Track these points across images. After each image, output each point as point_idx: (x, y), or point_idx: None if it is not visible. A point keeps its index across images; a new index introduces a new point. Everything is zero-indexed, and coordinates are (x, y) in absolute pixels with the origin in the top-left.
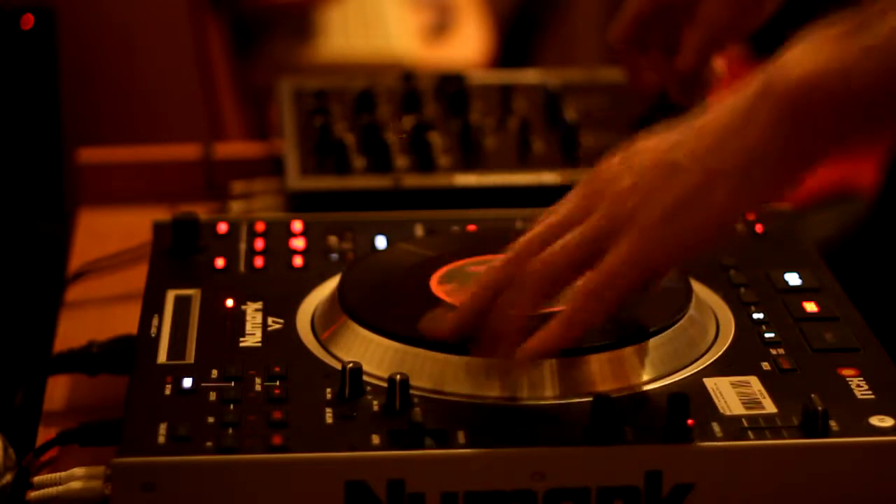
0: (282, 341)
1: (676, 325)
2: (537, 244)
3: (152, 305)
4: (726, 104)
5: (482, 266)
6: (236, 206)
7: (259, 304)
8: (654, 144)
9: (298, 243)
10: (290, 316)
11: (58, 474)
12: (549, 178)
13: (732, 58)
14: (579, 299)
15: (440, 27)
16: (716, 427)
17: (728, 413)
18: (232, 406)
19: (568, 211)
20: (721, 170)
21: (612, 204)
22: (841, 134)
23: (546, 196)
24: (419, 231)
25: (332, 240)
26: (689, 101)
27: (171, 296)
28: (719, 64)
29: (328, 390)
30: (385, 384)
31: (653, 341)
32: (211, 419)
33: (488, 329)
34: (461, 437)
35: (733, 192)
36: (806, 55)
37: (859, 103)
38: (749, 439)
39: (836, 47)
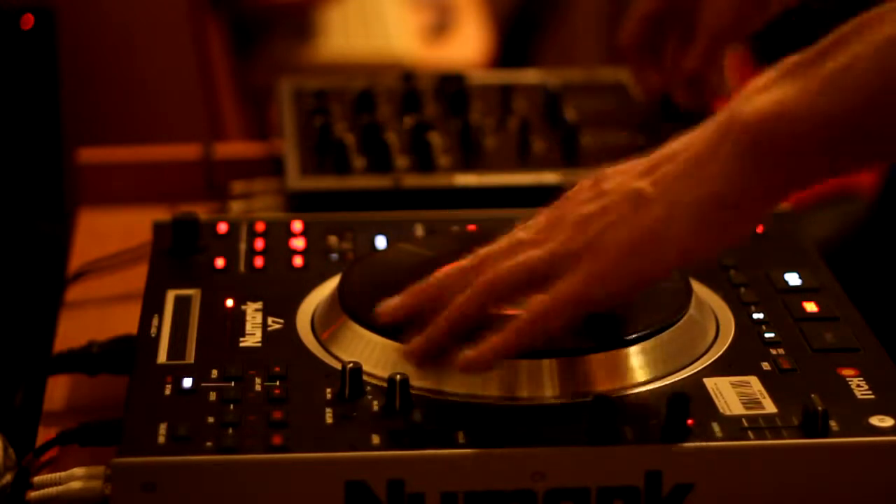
0: (282, 341)
1: (676, 325)
2: (499, 256)
3: (152, 305)
4: (695, 136)
5: None
6: (236, 206)
7: (259, 304)
8: (623, 171)
9: (298, 243)
10: (290, 316)
11: (58, 474)
12: (549, 178)
13: (734, 60)
14: (527, 318)
15: (440, 27)
16: (716, 427)
17: (728, 413)
18: (232, 406)
19: (534, 230)
20: (684, 204)
21: (574, 229)
22: (802, 169)
23: (546, 196)
24: (419, 231)
25: (332, 240)
26: (693, 103)
27: (171, 296)
28: (728, 69)
29: (328, 390)
30: (385, 384)
31: (653, 341)
32: (211, 419)
33: (426, 321)
34: (461, 437)
35: (694, 229)
36: (767, 88)
37: (819, 136)
38: (749, 439)
39: (796, 80)
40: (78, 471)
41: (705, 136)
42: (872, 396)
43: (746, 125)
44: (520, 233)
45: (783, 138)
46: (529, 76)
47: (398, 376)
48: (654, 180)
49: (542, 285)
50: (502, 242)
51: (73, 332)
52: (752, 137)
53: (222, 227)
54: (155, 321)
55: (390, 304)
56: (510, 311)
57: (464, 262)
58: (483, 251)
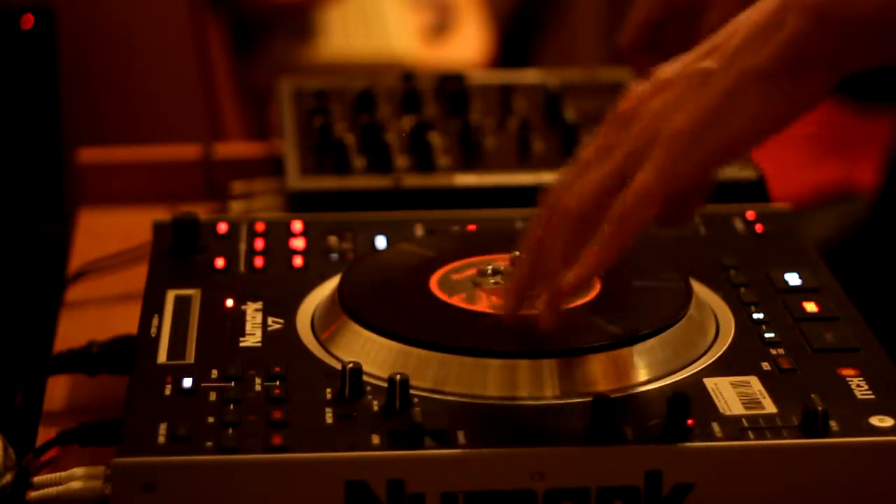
0: (282, 341)
1: (676, 325)
2: (571, 180)
3: (152, 305)
4: (753, 12)
5: (476, 268)
6: (236, 206)
7: (259, 304)
8: (682, 59)
9: (298, 243)
10: (290, 316)
11: (58, 474)
12: (549, 178)
13: None
14: (613, 222)
15: (440, 27)
16: (716, 427)
17: (728, 413)
18: (232, 406)
19: (599, 140)
20: (753, 68)
21: (640, 122)
22: (861, 49)
23: None
24: (419, 231)
25: (332, 240)
26: None
27: (171, 296)
28: None
29: (328, 390)
30: (385, 384)
31: (653, 341)
32: (211, 419)
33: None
34: (461, 437)
35: (766, 95)
36: None
37: (881, 17)
38: (749, 439)
39: None
40: (78, 471)
41: (766, 10)
42: (872, 396)
43: (809, 1)
44: (585, 150)
45: (844, 17)
46: (529, 76)
47: (398, 376)
48: (718, 56)
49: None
50: (571, 168)
51: (73, 332)
52: (814, 13)
53: (222, 227)
54: (155, 321)
55: (509, 295)
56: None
57: (542, 210)
58: (555, 185)
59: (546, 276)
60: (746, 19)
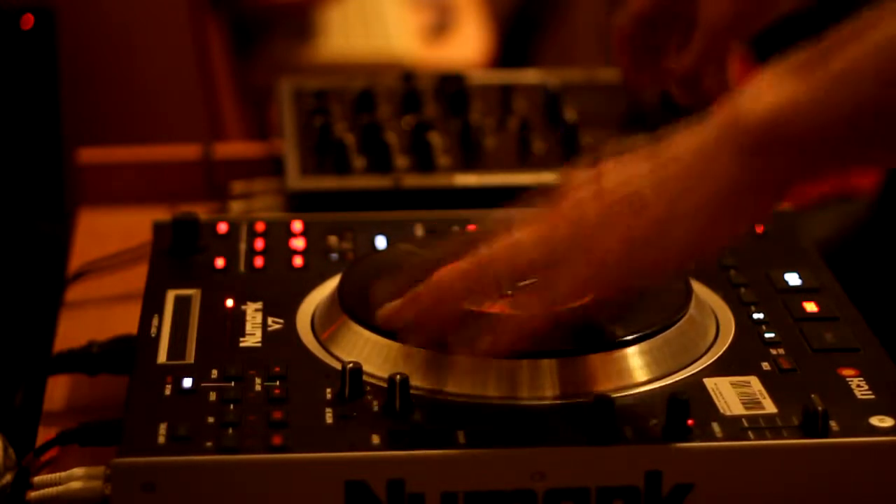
0: (282, 341)
1: (676, 325)
2: (496, 257)
3: (152, 305)
4: (695, 135)
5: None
6: (236, 206)
7: (259, 304)
8: (623, 168)
9: (298, 243)
10: (290, 316)
11: (58, 474)
12: (549, 178)
13: (735, 60)
14: (519, 319)
15: (440, 27)
16: (716, 427)
17: (728, 413)
18: (232, 406)
19: (530, 224)
20: (685, 206)
21: (574, 226)
22: (804, 168)
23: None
24: (419, 231)
25: (332, 240)
26: (690, 102)
27: (171, 296)
28: (731, 68)
29: (328, 390)
30: (385, 384)
31: (653, 341)
32: (211, 419)
33: (415, 316)
34: (461, 437)
35: (694, 229)
36: (769, 88)
37: (822, 136)
38: (749, 439)
39: (797, 80)
40: (78, 471)
41: (706, 136)
42: (872, 396)
43: (750, 124)
44: (517, 226)
45: (787, 138)
46: (529, 76)
47: (398, 376)
48: (654, 181)
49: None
50: (500, 242)
51: (73, 332)
52: (756, 137)
53: (222, 227)
54: (155, 321)
55: (389, 309)
56: (495, 310)
57: (462, 264)
58: (480, 251)
59: (437, 324)
60: (687, 143)
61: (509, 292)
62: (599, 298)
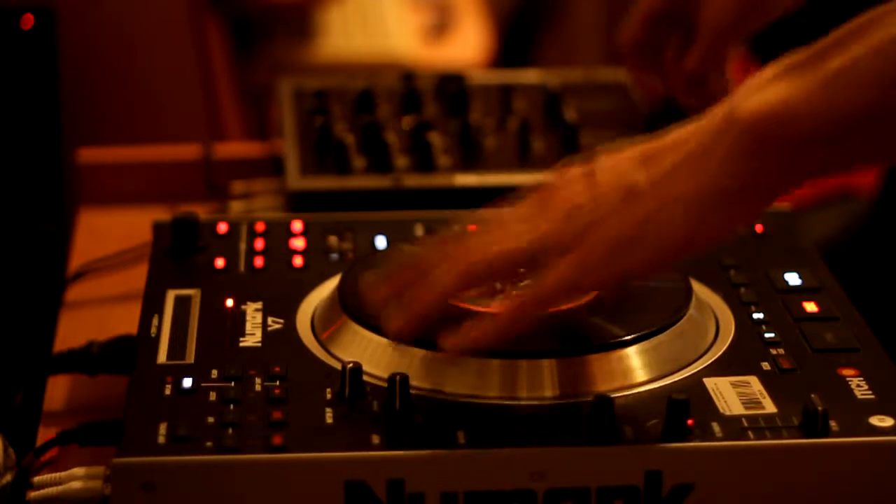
0: (282, 341)
1: (676, 325)
2: (483, 240)
3: (152, 305)
4: (692, 130)
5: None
6: (236, 206)
7: (259, 304)
8: (617, 162)
9: (298, 243)
10: (290, 316)
11: (58, 474)
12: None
13: (736, 60)
14: (515, 308)
15: (440, 27)
16: (716, 427)
17: (728, 413)
18: (232, 406)
19: (521, 216)
20: (678, 199)
21: (563, 220)
22: (801, 167)
23: None
24: (419, 231)
25: (332, 240)
26: (696, 103)
27: (171, 296)
28: (731, 70)
29: (328, 390)
30: (385, 384)
31: (653, 341)
32: (211, 419)
33: (400, 303)
34: (461, 437)
35: (687, 225)
36: (768, 85)
37: (819, 135)
38: (749, 439)
39: (797, 78)
40: (78, 471)
41: (704, 131)
42: (872, 396)
43: (747, 123)
44: (507, 217)
45: (783, 137)
46: (529, 76)
47: (398, 376)
48: (650, 174)
49: (526, 273)
50: (489, 225)
51: (73, 332)
52: (752, 135)
53: (222, 227)
54: (155, 321)
55: (374, 283)
56: (483, 308)
57: (448, 243)
58: (468, 234)
59: (407, 310)
60: (685, 138)
61: (499, 287)
62: (593, 297)
